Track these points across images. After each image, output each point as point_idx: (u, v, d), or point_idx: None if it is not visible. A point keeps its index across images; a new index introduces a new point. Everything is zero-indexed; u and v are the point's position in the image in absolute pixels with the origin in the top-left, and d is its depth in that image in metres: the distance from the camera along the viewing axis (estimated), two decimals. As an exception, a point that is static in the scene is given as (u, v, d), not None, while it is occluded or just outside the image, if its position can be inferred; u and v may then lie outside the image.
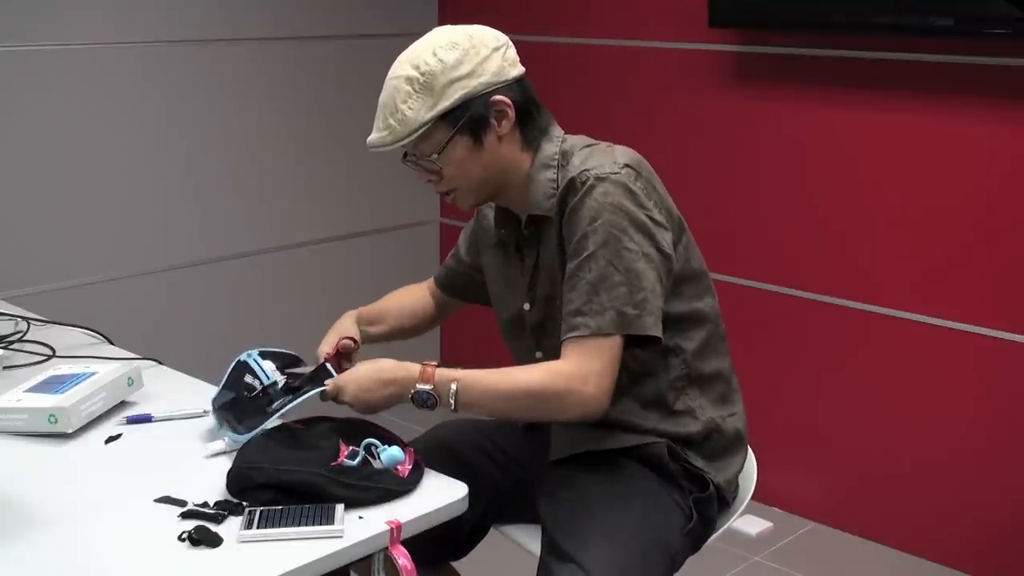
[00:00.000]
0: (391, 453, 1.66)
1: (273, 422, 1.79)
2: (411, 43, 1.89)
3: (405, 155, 1.88)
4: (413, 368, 1.79)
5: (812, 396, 3.33)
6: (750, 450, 2.09)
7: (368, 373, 1.81)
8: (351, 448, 1.67)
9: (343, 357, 2.04)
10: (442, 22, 3.92)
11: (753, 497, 2.06)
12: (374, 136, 1.85)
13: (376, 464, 1.65)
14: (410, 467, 1.67)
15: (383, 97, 1.85)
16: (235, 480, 1.61)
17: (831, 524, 3.33)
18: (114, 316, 2.89)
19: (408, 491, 1.64)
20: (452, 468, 1.75)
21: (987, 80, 2.86)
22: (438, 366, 1.79)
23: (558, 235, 1.85)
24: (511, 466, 2.05)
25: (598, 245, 1.78)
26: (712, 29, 3.24)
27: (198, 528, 1.50)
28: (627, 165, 1.83)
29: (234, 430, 1.76)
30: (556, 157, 1.88)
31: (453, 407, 1.77)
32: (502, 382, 1.80)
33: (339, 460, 1.64)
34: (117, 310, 3.25)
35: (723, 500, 1.98)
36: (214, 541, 1.48)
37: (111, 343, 2.29)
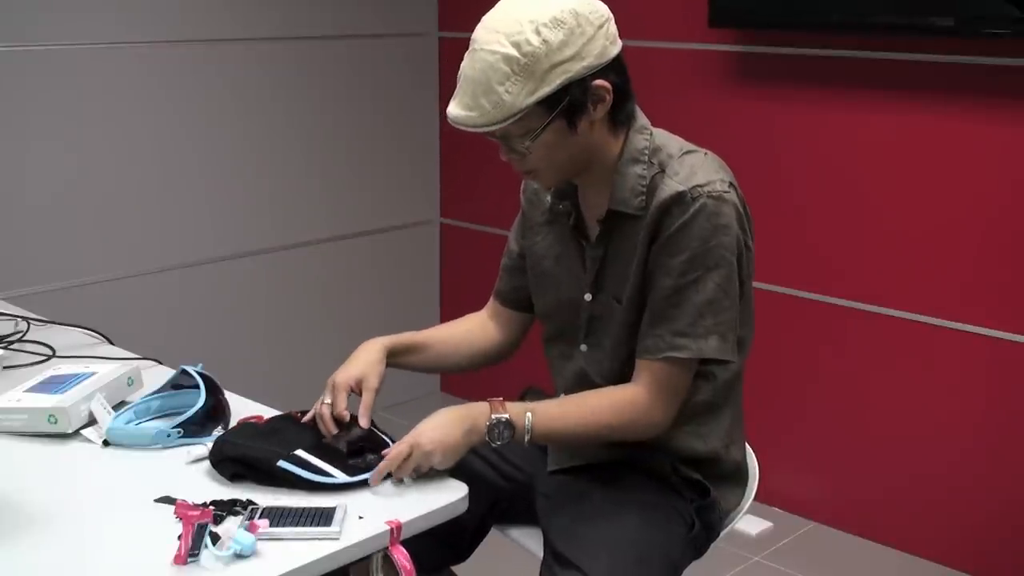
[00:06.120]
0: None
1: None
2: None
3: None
4: (481, 405, 1.73)
5: (813, 396, 3.33)
6: (751, 482, 2.04)
7: (437, 420, 1.70)
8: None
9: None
10: (442, 22, 3.93)
11: (753, 497, 2.05)
12: (461, 113, 1.71)
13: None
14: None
15: (473, 71, 1.68)
16: (212, 452, 1.69)
17: (831, 524, 3.33)
18: (114, 316, 2.89)
19: (348, 488, 1.64)
20: (450, 471, 1.73)
21: (987, 80, 2.86)
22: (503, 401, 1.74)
23: (647, 238, 1.78)
24: (508, 469, 2.03)
25: (709, 268, 1.74)
26: (712, 29, 3.24)
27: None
28: (732, 184, 1.79)
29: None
30: (646, 153, 1.80)
31: (528, 438, 1.73)
32: (578, 412, 1.78)
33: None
34: (117, 310, 3.25)
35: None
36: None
37: (111, 343, 2.28)
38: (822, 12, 3.03)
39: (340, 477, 1.64)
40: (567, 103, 1.70)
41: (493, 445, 1.73)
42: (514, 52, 1.65)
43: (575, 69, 1.68)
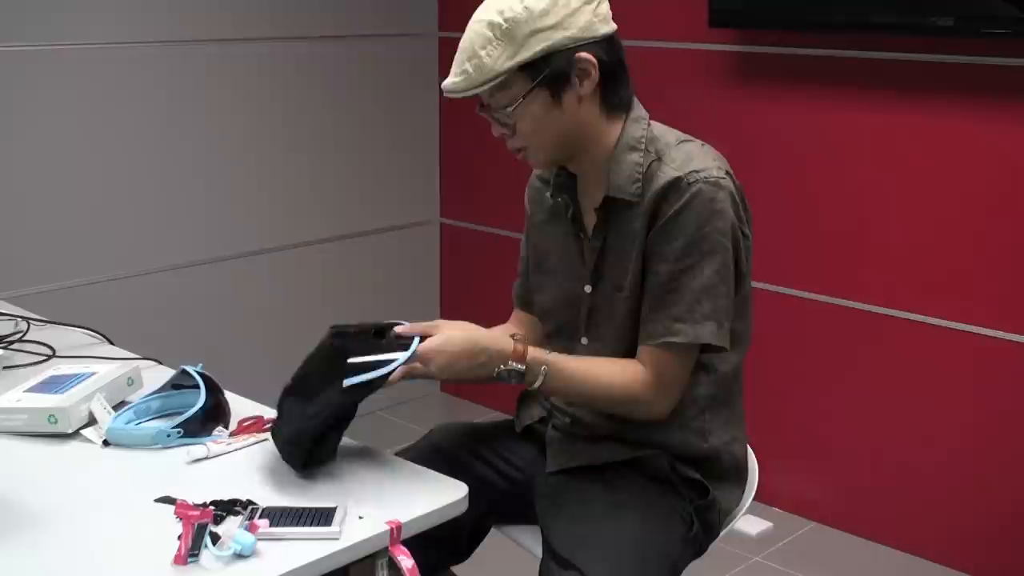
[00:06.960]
0: None
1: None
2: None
3: (481, 105, 1.81)
4: (505, 343, 1.75)
5: (813, 396, 3.33)
6: (750, 482, 2.04)
7: (461, 343, 1.72)
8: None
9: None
10: (442, 22, 3.93)
11: (753, 497, 2.06)
12: (449, 81, 1.77)
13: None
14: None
15: (464, 41, 1.76)
16: (289, 459, 1.67)
17: (831, 524, 3.33)
18: (114, 316, 2.88)
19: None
20: (449, 471, 1.73)
21: (987, 80, 2.86)
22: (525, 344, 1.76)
23: (645, 226, 1.79)
24: (508, 469, 2.03)
25: (705, 254, 1.75)
26: (712, 29, 3.24)
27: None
28: (728, 173, 1.80)
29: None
30: (643, 141, 1.82)
31: (536, 387, 1.77)
32: (589, 377, 1.80)
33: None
34: (117, 310, 3.25)
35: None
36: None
37: (111, 343, 2.28)
38: (822, 12, 3.03)
39: (398, 357, 1.65)
40: (549, 72, 1.74)
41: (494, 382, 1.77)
42: (497, 18, 1.72)
43: (556, 38, 1.73)
